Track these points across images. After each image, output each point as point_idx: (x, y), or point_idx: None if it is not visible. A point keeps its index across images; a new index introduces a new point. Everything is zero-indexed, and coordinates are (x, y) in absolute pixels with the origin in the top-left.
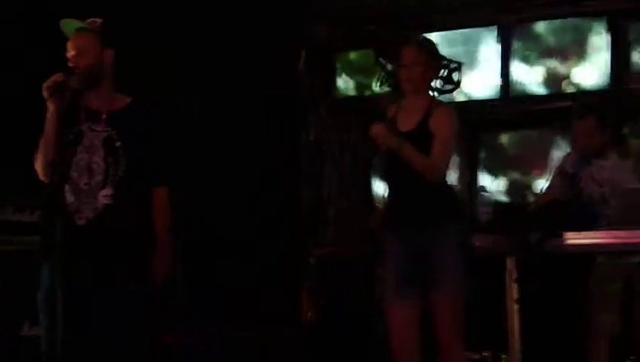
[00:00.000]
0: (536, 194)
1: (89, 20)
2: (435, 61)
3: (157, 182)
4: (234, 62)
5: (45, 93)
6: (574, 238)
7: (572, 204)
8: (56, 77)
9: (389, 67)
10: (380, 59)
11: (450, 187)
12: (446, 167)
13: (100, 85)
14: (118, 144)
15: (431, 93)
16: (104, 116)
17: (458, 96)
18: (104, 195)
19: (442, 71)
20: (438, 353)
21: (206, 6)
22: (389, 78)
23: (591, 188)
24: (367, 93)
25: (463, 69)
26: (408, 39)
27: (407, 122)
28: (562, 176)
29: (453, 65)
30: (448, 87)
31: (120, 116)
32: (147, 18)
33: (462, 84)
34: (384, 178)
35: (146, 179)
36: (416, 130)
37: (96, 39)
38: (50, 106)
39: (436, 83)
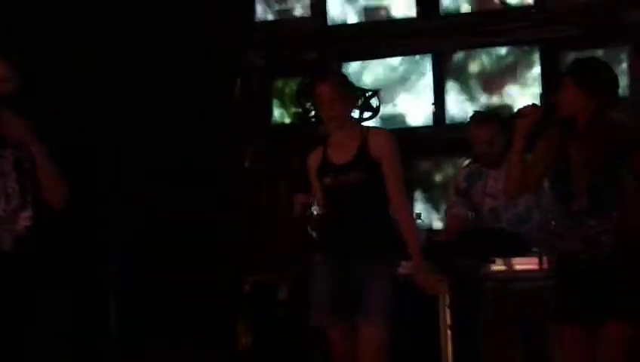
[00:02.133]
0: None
1: None
2: (352, 93)
3: None
4: (170, 87)
5: None
6: (505, 264)
7: (502, 231)
8: None
9: (308, 105)
10: (301, 99)
11: (391, 219)
12: (404, 189)
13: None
14: (27, 165)
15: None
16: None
17: (392, 123)
18: (24, 217)
19: (360, 99)
20: None
21: (143, 30)
22: (312, 115)
23: (486, 203)
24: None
25: (386, 96)
26: (322, 75)
27: (343, 154)
28: (458, 194)
29: (369, 93)
30: (367, 114)
31: None
32: (77, 44)
33: (380, 110)
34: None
35: None
36: (356, 158)
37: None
38: None
39: (355, 112)
